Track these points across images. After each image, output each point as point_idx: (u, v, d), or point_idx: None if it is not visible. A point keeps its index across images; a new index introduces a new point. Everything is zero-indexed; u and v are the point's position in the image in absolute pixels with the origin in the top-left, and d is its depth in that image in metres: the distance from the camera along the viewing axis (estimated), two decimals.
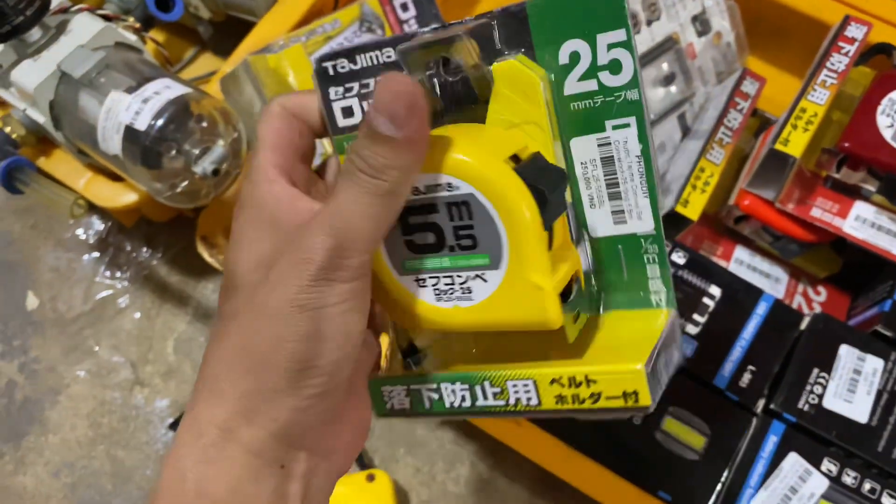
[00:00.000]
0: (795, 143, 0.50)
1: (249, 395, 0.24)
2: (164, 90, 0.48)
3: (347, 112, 0.29)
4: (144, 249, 0.65)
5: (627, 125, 0.26)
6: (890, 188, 0.50)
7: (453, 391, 0.28)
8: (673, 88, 0.58)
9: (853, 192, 0.52)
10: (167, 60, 0.64)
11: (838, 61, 0.53)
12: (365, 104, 0.29)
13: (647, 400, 0.25)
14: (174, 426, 0.59)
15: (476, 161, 0.24)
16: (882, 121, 0.50)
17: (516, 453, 0.57)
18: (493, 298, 0.26)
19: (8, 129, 0.54)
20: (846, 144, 0.50)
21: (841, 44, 0.54)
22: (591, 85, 0.26)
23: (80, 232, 0.66)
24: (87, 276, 0.64)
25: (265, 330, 0.24)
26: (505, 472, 0.57)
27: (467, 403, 0.28)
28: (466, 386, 0.28)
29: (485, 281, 0.26)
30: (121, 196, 0.56)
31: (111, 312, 0.63)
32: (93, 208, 0.66)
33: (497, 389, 0.27)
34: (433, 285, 0.27)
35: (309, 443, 0.26)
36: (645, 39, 0.57)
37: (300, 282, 0.23)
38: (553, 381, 0.26)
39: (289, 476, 0.25)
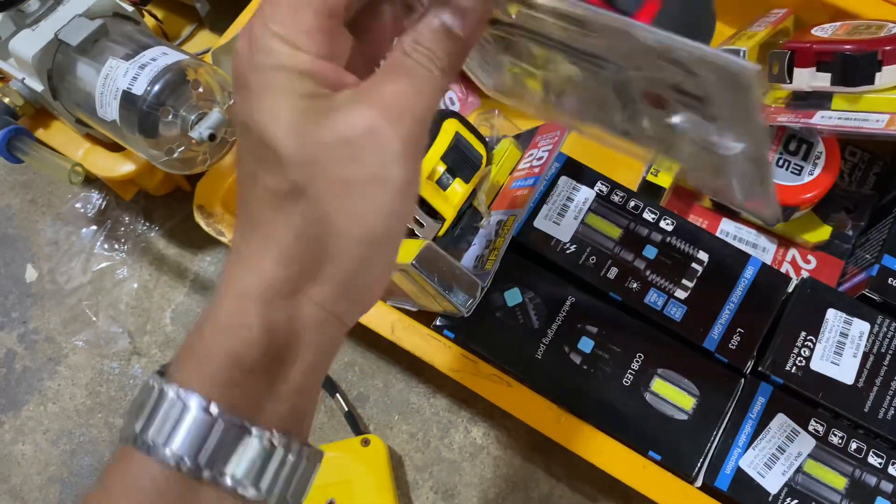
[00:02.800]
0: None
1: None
2: (160, 56, 0.49)
3: None
4: (142, 222, 0.65)
5: None
6: (842, 70, 0.50)
7: None
8: None
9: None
10: (164, 35, 0.65)
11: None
12: None
13: None
14: None
15: None
16: (817, 31, 0.53)
17: (510, 420, 0.58)
18: None
19: (7, 100, 0.55)
20: (790, 42, 0.52)
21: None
22: None
23: (78, 205, 0.66)
24: (85, 248, 0.65)
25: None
26: (498, 438, 0.58)
27: None
28: None
29: None
30: (118, 166, 0.57)
31: (109, 284, 0.64)
32: (91, 182, 0.67)
33: None
34: None
35: None
36: None
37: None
38: None
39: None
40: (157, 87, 0.47)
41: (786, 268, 0.57)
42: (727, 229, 0.58)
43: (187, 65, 0.49)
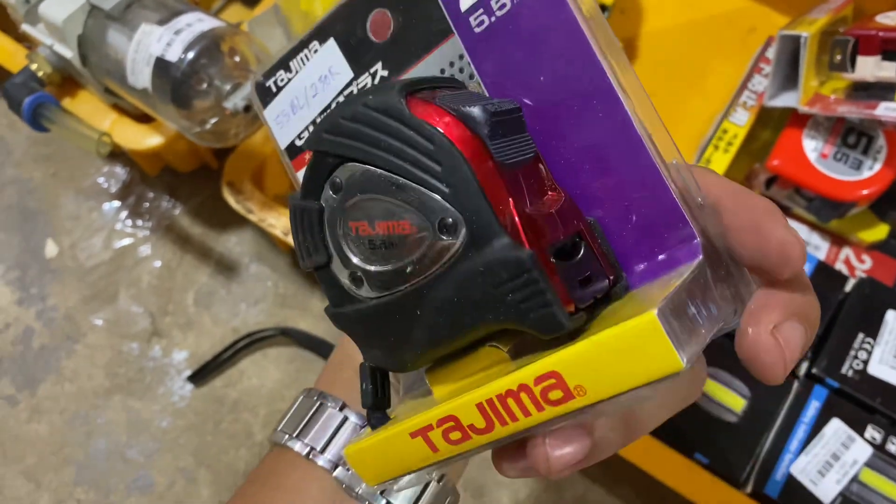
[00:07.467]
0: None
1: None
2: (196, 23, 0.47)
3: None
4: (167, 199, 0.63)
5: None
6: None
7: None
8: None
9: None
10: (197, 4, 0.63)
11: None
12: None
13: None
14: (192, 379, 0.58)
15: None
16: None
17: None
18: None
19: (34, 67, 0.53)
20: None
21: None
22: None
23: (101, 180, 0.64)
24: (107, 224, 0.63)
25: None
26: None
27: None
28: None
29: None
30: (146, 139, 0.55)
31: (131, 262, 0.62)
32: (116, 157, 0.65)
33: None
34: None
35: None
36: None
37: None
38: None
39: None
40: (191, 54, 0.45)
41: (839, 267, 0.54)
42: None
43: (224, 32, 0.47)
